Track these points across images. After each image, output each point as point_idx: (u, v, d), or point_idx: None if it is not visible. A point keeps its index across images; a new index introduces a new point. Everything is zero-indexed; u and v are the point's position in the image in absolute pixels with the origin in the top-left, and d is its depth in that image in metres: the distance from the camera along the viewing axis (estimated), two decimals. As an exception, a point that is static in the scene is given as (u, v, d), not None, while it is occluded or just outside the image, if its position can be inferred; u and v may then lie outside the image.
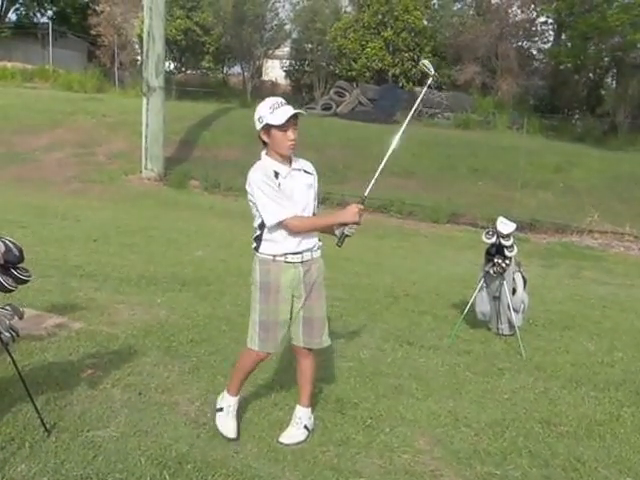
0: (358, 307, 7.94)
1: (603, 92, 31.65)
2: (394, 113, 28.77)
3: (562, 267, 12.25)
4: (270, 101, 4.30)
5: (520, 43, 33.49)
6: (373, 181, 4.30)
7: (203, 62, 34.05)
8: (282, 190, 4.23)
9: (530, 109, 28.80)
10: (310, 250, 4.36)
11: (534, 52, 34.71)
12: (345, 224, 4.23)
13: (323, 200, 16.47)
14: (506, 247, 6.74)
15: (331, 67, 32.33)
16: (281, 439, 4.49)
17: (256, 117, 4.30)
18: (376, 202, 16.57)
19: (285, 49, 35.80)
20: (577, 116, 30.63)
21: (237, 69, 36.23)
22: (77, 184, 18.46)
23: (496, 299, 7.10)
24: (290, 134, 4.22)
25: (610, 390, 5.83)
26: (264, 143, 4.32)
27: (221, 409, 4.59)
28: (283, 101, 4.29)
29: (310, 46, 33.32)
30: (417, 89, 31.15)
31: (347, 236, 4.23)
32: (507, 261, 6.81)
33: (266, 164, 4.29)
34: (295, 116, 4.19)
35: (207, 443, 4.37)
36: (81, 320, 6.51)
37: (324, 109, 29.32)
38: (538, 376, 6.08)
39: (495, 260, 6.84)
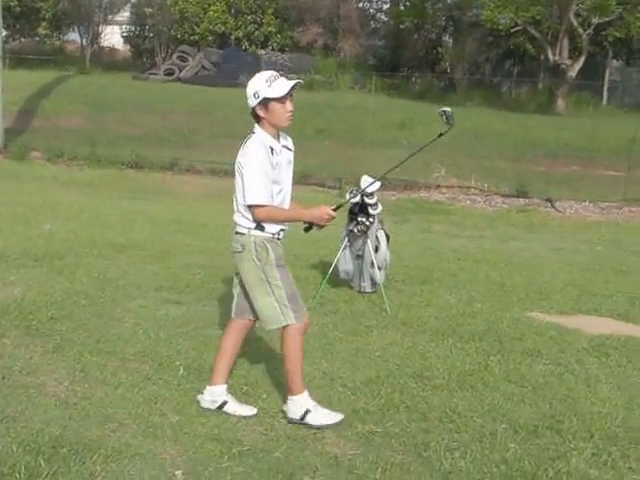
0: (220, 273, 7.77)
1: (441, 50, 32.52)
2: (238, 76, 28.48)
3: (413, 222, 12.53)
4: (264, 75, 4.21)
5: (361, 4, 33.88)
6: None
7: (39, 29, 32.45)
8: (276, 168, 4.20)
9: (372, 69, 29.22)
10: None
11: (375, 12, 35.21)
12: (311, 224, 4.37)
13: (171, 166, 16.15)
14: (370, 205, 6.78)
15: (172, 32, 31.51)
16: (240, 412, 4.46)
17: (250, 92, 4.19)
18: (226, 166, 16.28)
19: (125, 14, 34.56)
20: (417, 74, 31.36)
21: (74, 36, 34.73)
22: None
23: (359, 257, 7.15)
24: (288, 105, 4.18)
25: (475, 340, 5.99)
26: (257, 118, 4.23)
27: (308, 412, 4.33)
28: (277, 74, 4.19)
29: (150, 10, 32.34)
30: (261, 52, 30.97)
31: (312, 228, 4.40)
32: (371, 219, 6.85)
33: (264, 139, 4.20)
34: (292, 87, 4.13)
35: (81, 424, 4.16)
36: None
37: (167, 74, 28.68)
38: (405, 331, 6.17)
39: (359, 219, 6.87)
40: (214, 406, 4.48)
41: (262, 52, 31.13)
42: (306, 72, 28.93)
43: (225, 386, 4.54)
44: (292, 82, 4.19)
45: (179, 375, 4.97)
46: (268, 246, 4.32)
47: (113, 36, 34.54)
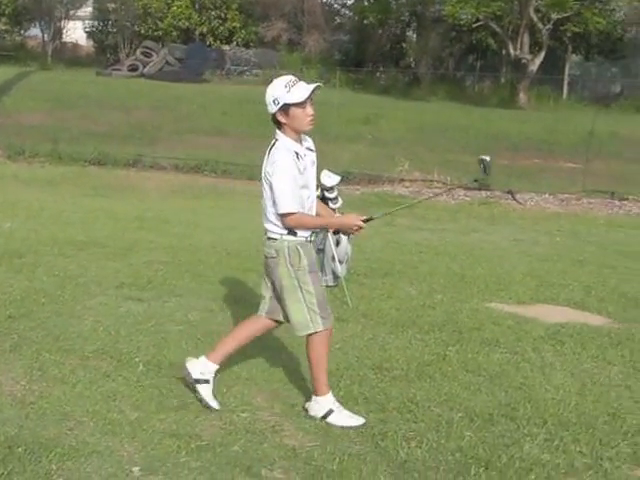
0: (182, 269, 7.79)
1: (405, 45, 32.68)
2: (202, 72, 28.43)
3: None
4: (283, 80, 4.18)
5: (325, -1, 33.95)
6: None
7: (-1, 24, 32.13)
8: (304, 173, 4.23)
9: (337, 64, 29.27)
10: None
11: (339, 8, 35.26)
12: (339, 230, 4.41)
13: (134, 162, 16.06)
14: (330, 199, 6.78)
15: (136, 27, 31.29)
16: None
17: (269, 99, 4.17)
18: (190, 162, 16.33)
19: (87, 9, 34.25)
20: (382, 69, 31.48)
21: (36, 31, 34.35)
22: None
23: (320, 251, 7.15)
24: (309, 110, 4.18)
25: (434, 331, 6.06)
26: (279, 124, 4.22)
27: (331, 412, 4.38)
28: (295, 78, 4.17)
29: (113, 6, 32.09)
30: (225, 47, 30.91)
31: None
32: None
33: (288, 145, 4.20)
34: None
35: (37, 423, 4.14)
36: None
37: (130, 70, 28.51)
38: (366, 323, 6.23)
39: (318, 213, 6.88)
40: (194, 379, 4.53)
41: (227, 47, 31.09)
42: (271, 67, 28.93)
43: (217, 367, 4.59)
44: (312, 86, 4.18)
45: (138, 371, 4.97)
46: (301, 251, 4.36)
47: (76, 31, 34.24)
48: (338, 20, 35.16)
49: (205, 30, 31.23)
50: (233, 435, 4.19)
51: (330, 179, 6.75)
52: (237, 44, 31.49)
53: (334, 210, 6.90)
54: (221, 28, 31.29)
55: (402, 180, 15.65)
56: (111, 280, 7.12)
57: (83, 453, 3.85)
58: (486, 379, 5.09)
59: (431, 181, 15.61)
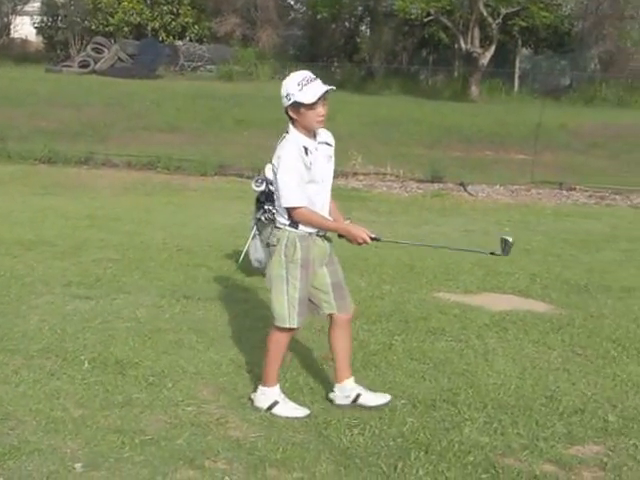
0: (132, 266, 7.77)
1: (359, 40, 32.79)
2: (155, 68, 28.23)
3: (331, 210, 12.67)
4: (298, 76, 4.13)
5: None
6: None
7: (-58, 20, 31.53)
8: (312, 168, 4.15)
9: (291, 59, 29.28)
10: None
11: (292, 3, 35.26)
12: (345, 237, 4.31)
13: (86, 160, 15.91)
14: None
15: (86, 22, 30.93)
16: (380, 401, 4.48)
17: (283, 93, 4.12)
18: (143, 159, 16.23)
19: (35, 4, 33.75)
20: (336, 64, 31.56)
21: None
22: None
23: (269, 245, 7.20)
24: (320, 110, 4.12)
25: (382, 321, 6.14)
26: (291, 118, 4.17)
27: (276, 403, 4.42)
28: (311, 76, 4.11)
29: (62, 0, 31.70)
30: (178, 43, 30.73)
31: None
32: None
33: (297, 139, 4.16)
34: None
35: (-23, 425, 4.13)
36: None
37: (81, 66, 28.21)
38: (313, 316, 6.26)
39: (266, 207, 6.94)
40: (348, 401, 4.52)
41: (180, 43, 30.89)
42: (225, 63, 28.86)
43: (352, 379, 4.59)
44: (324, 89, 4.11)
45: (84, 369, 4.96)
46: (298, 245, 4.30)
47: (24, 27, 33.73)
48: (291, 15, 35.15)
49: (157, 25, 30.98)
50: (178, 429, 4.22)
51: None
52: (190, 40, 31.31)
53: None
54: (173, 23, 31.07)
55: (355, 174, 15.73)
56: (59, 279, 7.08)
57: (24, 452, 3.85)
58: (430, 366, 5.18)
59: (384, 174, 15.72)
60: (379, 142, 18.31)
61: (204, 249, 8.75)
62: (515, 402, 4.58)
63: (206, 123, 20.17)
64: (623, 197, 14.41)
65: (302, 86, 4.09)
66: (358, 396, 4.52)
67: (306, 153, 4.17)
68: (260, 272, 7.41)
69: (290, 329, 4.42)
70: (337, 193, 14.79)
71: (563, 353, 5.54)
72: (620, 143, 18.86)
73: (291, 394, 4.67)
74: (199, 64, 29.86)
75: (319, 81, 4.15)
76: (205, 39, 31.65)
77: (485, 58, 26.47)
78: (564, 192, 14.56)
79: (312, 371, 5.07)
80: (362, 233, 4.30)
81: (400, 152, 17.24)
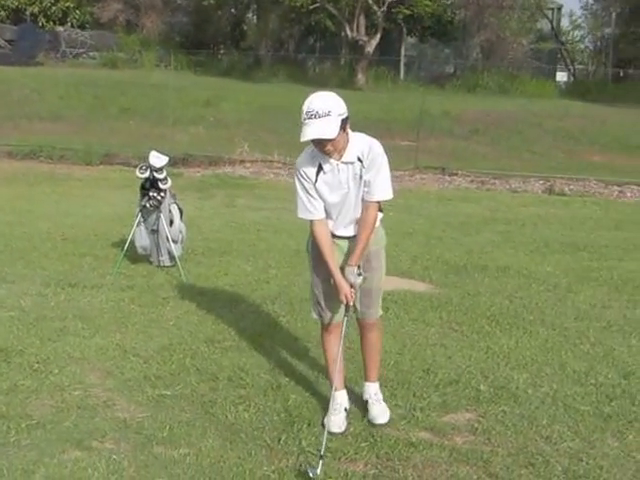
0: (15, 257, 7.66)
1: (245, 27, 32.73)
2: (35, 54, 27.45)
3: (218, 197, 12.69)
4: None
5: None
6: None
7: None
8: (318, 188, 4.01)
9: (176, 46, 29.00)
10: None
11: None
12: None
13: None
14: (160, 180, 6.89)
15: (-40, 6, 29.77)
16: (379, 421, 4.19)
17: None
18: (24, 149, 15.86)
19: None
20: (222, 51, 31.42)
21: None
22: None
23: (154, 232, 7.24)
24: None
25: (267, 304, 6.30)
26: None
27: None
28: (306, 114, 3.86)
29: None
30: (59, 28, 29.93)
31: None
32: (162, 194, 6.96)
33: (315, 154, 4.00)
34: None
35: None
36: None
37: (-45, 53, 27.09)
38: (201, 300, 6.36)
39: (150, 194, 6.96)
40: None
41: (61, 29, 30.09)
42: (108, 50, 28.33)
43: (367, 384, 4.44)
44: (307, 137, 3.88)
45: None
46: (310, 245, 4.30)
47: None
48: (177, 1, 34.72)
49: (36, 10, 30.07)
50: (64, 412, 4.25)
51: (159, 160, 6.89)
52: (72, 25, 30.55)
53: (164, 190, 7.02)
54: (53, 8, 30.25)
55: (242, 161, 15.83)
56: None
57: None
58: (314, 345, 5.34)
59: (271, 162, 15.87)
60: (266, 130, 18.45)
61: (90, 238, 8.68)
62: (394, 376, 4.79)
63: (90, 111, 19.83)
64: (502, 181, 15.07)
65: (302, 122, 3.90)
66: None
67: (318, 171, 4.01)
68: (145, 259, 7.46)
69: (322, 323, 4.39)
70: (224, 181, 14.97)
71: (440, 329, 5.82)
72: (500, 129, 19.64)
73: (177, 375, 4.77)
74: (81, 51, 29.20)
75: (312, 127, 3.87)
76: (87, 25, 30.94)
77: (371, 46, 26.94)
78: (447, 177, 15.09)
79: (199, 353, 5.16)
80: (347, 290, 4.06)
81: (287, 140, 17.38)
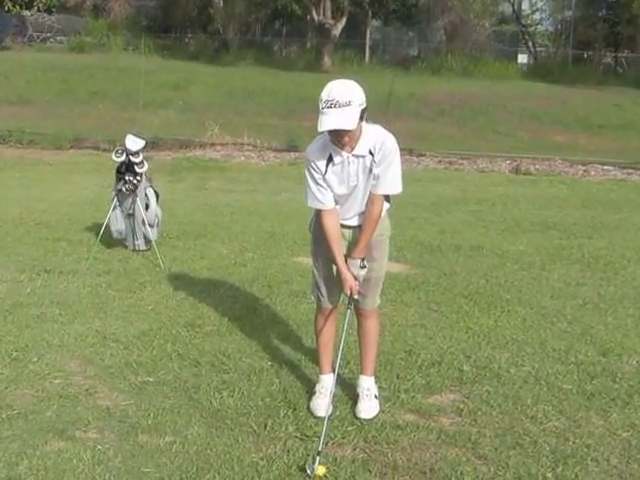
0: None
1: (212, 11, 32.37)
2: (2, 39, 27.05)
3: (189, 180, 12.63)
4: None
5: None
6: None
7: None
8: (327, 179, 3.92)
9: (144, 30, 28.67)
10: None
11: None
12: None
13: None
14: (136, 164, 6.81)
15: None
16: (362, 415, 4.09)
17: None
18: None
19: None
20: (190, 35, 31.13)
21: None
22: None
23: (130, 216, 7.17)
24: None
25: (245, 287, 6.28)
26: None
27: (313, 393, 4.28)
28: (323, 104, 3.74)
29: None
30: (26, 12, 29.44)
31: None
32: (138, 177, 6.89)
33: (327, 144, 3.91)
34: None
35: None
36: None
37: None
38: (178, 284, 6.32)
39: (126, 178, 6.89)
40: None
41: (27, 13, 29.58)
42: (76, 34, 27.99)
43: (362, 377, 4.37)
44: (326, 127, 3.75)
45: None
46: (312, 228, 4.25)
47: None
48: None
49: (3, -6, 29.49)
50: (46, 402, 4.20)
51: (135, 144, 6.82)
52: (38, 10, 30.01)
53: (141, 174, 6.94)
54: (23, -9, 29.65)
55: (213, 144, 15.75)
56: None
57: None
58: (294, 328, 5.35)
59: (242, 144, 15.82)
60: (235, 113, 18.37)
61: (63, 223, 8.59)
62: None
63: (59, 96, 19.61)
64: (470, 162, 15.14)
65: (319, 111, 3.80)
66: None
67: (328, 162, 3.94)
68: (121, 243, 7.40)
69: (318, 306, 4.36)
70: (194, 164, 14.89)
71: (419, 310, 5.84)
72: (466, 110, 19.70)
73: (159, 361, 4.73)
74: (48, 35, 28.79)
75: (331, 117, 3.76)
76: (54, 9, 30.42)
77: (337, 29, 26.83)
78: (414, 158, 15.10)
79: (179, 338, 5.13)
80: (351, 283, 4.02)
81: (256, 122, 17.37)
